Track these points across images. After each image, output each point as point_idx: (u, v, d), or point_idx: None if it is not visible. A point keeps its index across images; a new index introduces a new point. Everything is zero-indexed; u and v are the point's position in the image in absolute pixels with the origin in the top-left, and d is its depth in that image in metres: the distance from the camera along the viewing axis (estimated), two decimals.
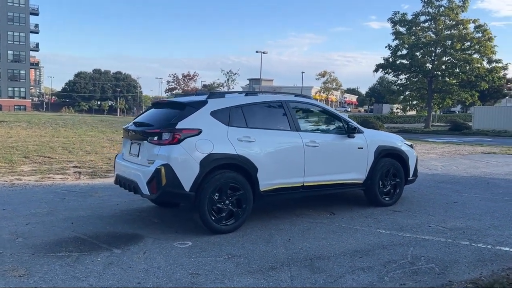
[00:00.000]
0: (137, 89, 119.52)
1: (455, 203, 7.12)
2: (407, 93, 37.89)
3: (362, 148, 6.46)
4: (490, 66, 34.69)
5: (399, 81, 38.29)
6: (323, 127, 6.37)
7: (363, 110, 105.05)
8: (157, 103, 6.13)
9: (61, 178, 8.92)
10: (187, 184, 4.95)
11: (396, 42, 36.90)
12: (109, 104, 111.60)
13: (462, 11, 35.07)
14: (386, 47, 37.61)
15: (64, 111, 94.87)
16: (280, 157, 5.62)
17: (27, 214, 5.98)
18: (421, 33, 35.94)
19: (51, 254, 4.41)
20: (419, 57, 35.91)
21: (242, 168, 5.29)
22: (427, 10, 35.70)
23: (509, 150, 16.96)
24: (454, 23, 35.10)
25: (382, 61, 37.87)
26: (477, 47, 34.21)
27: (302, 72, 79.23)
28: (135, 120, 5.74)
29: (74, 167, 10.37)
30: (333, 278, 3.91)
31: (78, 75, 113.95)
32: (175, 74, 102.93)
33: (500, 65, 35.19)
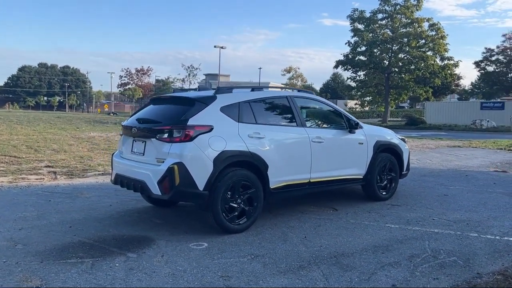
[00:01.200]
0: (87, 84, 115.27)
1: (446, 195, 7.33)
2: (365, 89, 38.89)
3: (362, 143, 6.50)
4: (443, 63, 36.29)
5: (358, 77, 39.23)
6: (326, 122, 6.34)
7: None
8: (158, 99, 5.84)
9: (36, 179, 8.37)
10: (200, 183, 4.75)
11: (355, 39, 37.76)
12: (58, 100, 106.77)
13: (417, 10, 36.41)
14: (346, 43, 38.50)
15: (8, 107, 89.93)
16: (288, 154, 5.53)
17: (15, 219, 5.55)
18: (379, 31, 36.96)
19: (61, 261, 4.09)
20: (377, 54, 36.94)
21: (254, 166, 5.15)
22: (384, 8, 36.74)
23: (471, 144, 17.79)
24: (409, 21, 36.37)
25: (342, 58, 38.69)
26: (431, 45, 35.66)
27: (259, 68, 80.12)
28: (138, 117, 5.43)
29: (46, 166, 9.78)
30: (366, 275, 3.88)
31: (22, 69, 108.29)
32: (127, 68, 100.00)
33: (452, 62, 36.89)
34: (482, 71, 59.32)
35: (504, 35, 57.49)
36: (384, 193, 6.84)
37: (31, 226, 5.23)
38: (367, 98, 39.46)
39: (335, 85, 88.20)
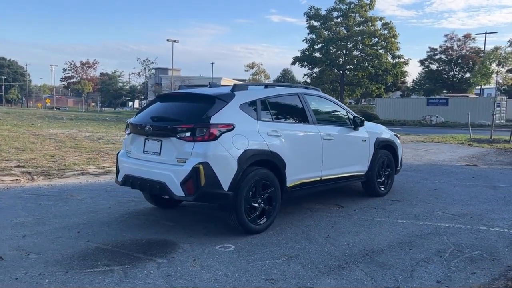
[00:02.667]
0: (26, 77, 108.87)
1: (436, 190, 7.61)
2: (320, 86, 39.56)
3: (365, 140, 6.59)
4: (394, 61, 37.76)
5: (313, 74, 39.95)
6: (334, 120, 6.34)
7: None
8: (168, 96, 5.58)
9: (12, 180, 7.78)
10: (225, 183, 4.60)
11: (312, 36, 38.36)
12: None
13: (370, 9, 37.58)
14: (303, 40, 39.05)
15: None
16: (303, 151, 5.49)
17: (12, 225, 5.12)
18: (334, 28, 37.79)
19: (89, 270, 3.81)
20: (333, 51, 37.78)
21: (273, 164, 5.07)
22: (339, 6, 37.57)
23: (432, 138, 18.64)
24: (363, 20, 37.47)
25: (298, 54, 39.21)
26: (383, 43, 36.97)
27: (212, 63, 79.31)
28: (152, 115, 5.14)
29: (17, 166, 9.11)
30: (407, 272, 3.92)
31: None
32: (72, 61, 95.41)
33: (402, 60, 38.50)
34: (426, 69, 62.26)
35: (446, 35, 60.66)
36: (382, 189, 6.98)
37: (34, 233, 4.84)
38: None
39: (285, 82, 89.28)
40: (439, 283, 3.70)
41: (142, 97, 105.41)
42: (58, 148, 12.26)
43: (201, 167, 4.47)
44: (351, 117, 6.45)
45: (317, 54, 38.28)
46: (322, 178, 5.81)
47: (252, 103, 5.11)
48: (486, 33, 56.49)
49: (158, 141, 4.90)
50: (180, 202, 6.14)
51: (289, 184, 5.29)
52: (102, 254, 4.23)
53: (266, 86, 5.59)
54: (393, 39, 36.61)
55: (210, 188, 4.52)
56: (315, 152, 5.67)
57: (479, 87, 46.16)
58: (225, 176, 4.60)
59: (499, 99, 35.49)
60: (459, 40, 59.81)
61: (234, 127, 4.73)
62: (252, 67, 24.53)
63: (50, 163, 9.63)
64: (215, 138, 4.57)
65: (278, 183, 5.13)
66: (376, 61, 36.87)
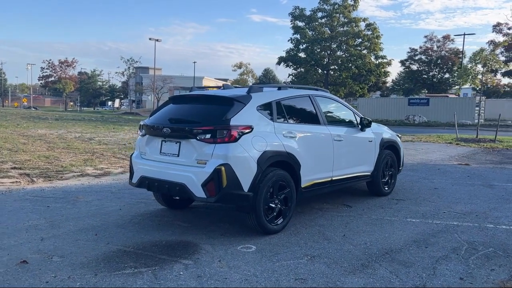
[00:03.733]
0: (1, 76, 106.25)
1: (436, 189, 7.80)
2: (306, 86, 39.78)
3: (371, 141, 6.72)
4: (378, 61, 38.36)
5: (298, 74, 40.21)
6: (342, 121, 6.44)
7: None
8: (184, 98, 5.57)
9: (12, 183, 7.66)
10: (245, 185, 4.65)
11: (297, 36, 38.61)
12: None
13: (354, 10, 38.07)
14: (288, 40, 39.28)
15: None
16: (316, 152, 5.58)
17: (26, 228, 5.06)
18: (319, 29, 38.11)
19: (117, 273, 3.81)
20: (318, 51, 38.12)
21: (289, 165, 5.13)
22: (323, 7, 37.91)
23: (420, 138, 19.02)
24: (347, 20, 37.92)
25: (283, 54, 39.45)
26: (367, 43, 37.49)
27: (194, 62, 78.95)
28: (170, 117, 5.13)
29: (13, 168, 8.96)
30: (429, 270, 4.03)
31: None
32: (50, 60, 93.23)
33: (385, 60, 39.15)
34: (407, 69, 63.33)
35: (426, 36, 61.85)
36: (386, 188, 7.12)
37: (51, 236, 4.79)
38: None
39: (267, 81, 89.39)
40: (462, 280, 3.82)
41: (122, 96, 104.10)
42: (51, 149, 12.07)
43: (222, 168, 4.50)
44: (358, 118, 6.57)
45: (302, 54, 38.56)
46: (333, 178, 5.91)
47: (268, 105, 5.16)
48: (464, 34, 57.76)
49: (176, 143, 4.91)
50: (191, 203, 6.16)
51: (303, 184, 5.37)
52: (126, 256, 4.22)
53: (280, 88, 5.64)
54: (376, 40, 37.20)
55: (232, 189, 4.56)
56: (326, 153, 5.77)
57: (464, 86, 47.36)
58: (246, 177, 4.64)
59: (478, 99, 36.42)
60: (438, 41, 61.03)
61: (252, 129, 4.77)
62: (240, 67, 24.53)
63: (47, 165, 9.49)
64: (235, 139, 4.61)
65: (294, 184, 5.20)
66: (360, 62, 37.38)
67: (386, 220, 5.70)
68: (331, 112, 6.20)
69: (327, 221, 5.57)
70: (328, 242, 4.76)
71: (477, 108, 36.20)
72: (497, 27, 38.36)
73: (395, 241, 4.83)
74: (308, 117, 5.76)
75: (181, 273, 3.84)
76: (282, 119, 5.27)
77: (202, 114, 5.01)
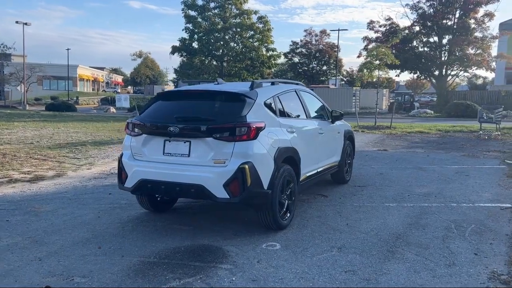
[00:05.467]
0: None
1: (381, 174, 8.49)
2: (201, 76, 39.52)
3: (339, 132, 7.06)
4: (269, 53, 39.65)
5: (193, 64, 39.62)
6: (320, 114, 6.61)
7: (132, 91, 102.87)
8: (180, 93, 5.16)
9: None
10: (265, 182, 4.58)
11: (189, 26, 37.90)
12: None
13: (245, 2, 38.68)
14: (183, 30, 38.34)
15: None
16: (309, 146, 5.70)
17: (6, 248, 4.34)
18: (213, 19, 37.91)
19: (165, 287, 3.50)
20: (212, 42, 37.94)
21: (294, 161, 5.18)
22: None
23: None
24: (239, 12, 38.38)
25: (178, 44, 38.50)
26: (259, 36, 38.46)
27: (68, 49, 72.56)
28: (176, 115, 4.71)
29: None
30: (445, 249, 4.42)
31: None
32: None
33: (275, 53, 40.73)
34: (290, 61, 66.68)
35: (305, 31, 65.77)
36: (347, 176, 7.57)
37: (48, 254, 4.20)
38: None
39: (148, 70, 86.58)
40: (477, 255, 4.30)
41: None
42: None
43: (246, 167, 4.37)
44: (330, 111, 6.84)
45: (195, 45, 38.12)
46: (318, 170, 6.11)
47: (271, 101, 5.12)
48: (339, 30, 62.83)
49: (185, 142, 4.60)
50: (173, 205, 5.84)
51: (301, 178, 5.46)
52: (157, 267, 3.89)
53: (273, 83, 5.61)
54: (268, 33, 38.44)
55: (255, 188, 4.46)
56: (315, 146, 5.93)
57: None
58: (265, 174, 4.58)
59: (355, 89, 39.92)
60: (316, 35, 65.33)
61: (265, 125, 4.70)
62: (140, 56, 23.06)
63: (31, 169, 8.11)
64: (255, 137, 4.50)
65: (296, 179, 5.26)
66: (254, 53, 38.26)
67: (369, 206, 6.08)
68: (311, 106, 6.35)
69: (321, 212, 5.75)
70: (340, 233, 4.93)
71: (354, 98, 39.72)
72: (370, 25, 42.31)
73: (395, 226, 5.20)
74: (298, 111, 5.84)
75: (233, 278, 3.68)
76: (282, 114, 5.27)
77: (213, 111, 4.76)
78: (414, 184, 7.56)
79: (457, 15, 38.64)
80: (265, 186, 4.57)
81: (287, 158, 5.01)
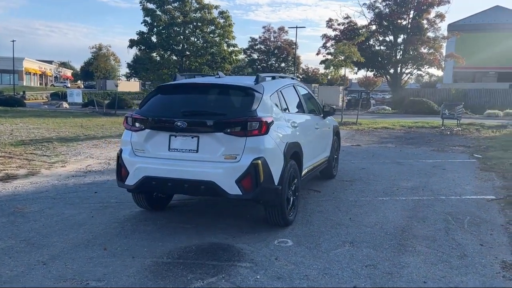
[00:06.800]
0: None
1: (364, 169, 8.62)
2: (161, 71, 38.58)
3: (330, 128, 7.08)
4: (230, 49, 39.40)
5: (153, 58, 38.66)
6: (314, 109, 6.59)
7: (82, 86, 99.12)
8: (182, 87, 4.94)
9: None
10: (276, 178, 4.49)
11: (146, 19, 36.87)
12: None
13: None
14: (142, 23, 37.23)
15: None
16: (309, 141, 5.66)
17: (2, 252, 3.98)
18: (173, 13, 37.09)
19: (192, 287, 3.35)
20: (173, 36, 37.15)
21: (298, 155, 5.12)
22: None
23: None
24: (200, 6, 37.80)
25: (136, 37, 37.37)
26: (221, 31, 38.08)
27: (13, 41, 68.64)
28: (181, 109, 4.51)
29: None
30: (452, 241, 4.52)
31: None
32: None
33: (236, 49, 40.58)
34: (249, 58, 66.71)
35: (264, 27, 65.91)
36: (334, 171, 7.62)
37: (51, 258, 3.92)
38: (164, 79, 39.07)
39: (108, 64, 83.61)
40: (482, 246, 4.43)
41: None
42: None
43: (259, 162, 4.26)
44: (322, 106, 6.84)
45: (154, 39, 37.19)
46: (314, 165, 6.09)
47: (275, 95, 5.04)
48: (296, 27, 63.42)
49: (193, 138, 4.42)
50: (168, 203, 5.63)
51: (302, 173, 5.42)
52: (174, 268, 3.72)
53: (273, 77, 5.51)
54: (229, 28, 38.14)
55: (267, 184, 4.36)
56: (313, 141, 5.91)
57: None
58: (276, 170, 4.49)
59: (314, 86, 40.47)
60: (274, 32, 65.72)
61: (273, 120, 4.61)
62: (100, 49, 21.90)
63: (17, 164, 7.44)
64: (266, 132, 4.39)
65: (299, 174, 5.22)
66: (215, 49, 37.86)
67: (364, 201, 6.14)
68: (307, 101, 6.32)
69: (320, 208, 5.73)
70: (346, 227, 4.93)
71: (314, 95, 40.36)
72: (329, 23, 43.04)
73: (396, 219, 5.27)
74: (298, 107, 5.79)
75: (257, 277, 3.58)
76: (285, 109, 5.20)
77: (221, 105, 4.61)
78: (398, 178, 7.72)
79: (411, 16, 40.05)
80: (276, 182, 4.48)
81: (294, 153, 4.95)
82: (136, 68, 61.90)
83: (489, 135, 15.29)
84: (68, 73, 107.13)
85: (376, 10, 40.98)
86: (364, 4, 41.29)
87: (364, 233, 4.73)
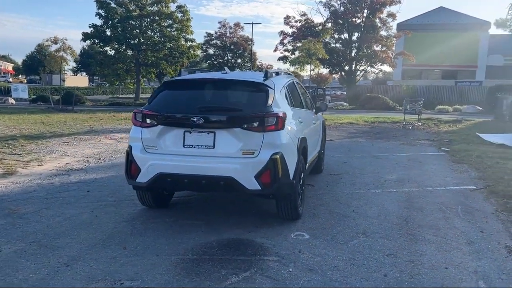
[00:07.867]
0: None
1: (345, 162, 8.87)
2: (116, 65, 37.36)
3: (320, 123, 7.23)
4: (188, 44, 38.88)
5: (107, 52, 37.41)
6: (309, 105, 6.68)
7: (25, 81, 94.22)
8: (192, 82, 4.85)
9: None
10: (292, 172, 4.56)
11: (100, 11, 35.58)
12: None
13: None
14: (96, 15, 35.81)
15: None
16: (310, 136, 5.78)
17: (15, 255, 3.82)
18: (129, 6, 36.03)
19: (229, 281, 3.35)
20: (128, 29, 36.10)
21: (305, 150, 5.21)
22: None
23: None
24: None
25: (89, 30, 35.94)
26: (178, 26, 37.45)
27: None
28: (197, 105, 4.43)
29: None
30: (455, 229, 4.78)
31: None
32: None
33: (195, 44, 40.12)
34: (205, 53, 66.13)
35: (220, 22, 65.65)
36: (322, 165, 7.79)
37: (72, 259, 3.78)
38: (120, 74, 37.80)
39: (42, 58, 79.91)
40: (483, 233, 4.72)
41: None
42: None
43: (278, 157, 4.31)
44: (313, 102, 6.96)
45: (108, 32, 35.98)
46: (312, 159, 6.21)
47: (283, 91, 5.09)
48: (253, 23, 63.74)
49: (209, 133, 4.39)
50: (170, 200, 5.55)
51: (306, 167, 5.52)
52: (203, 264, 3.71)
53: (277, 73, 5.55)
54: (187, 23, 37.59)
55: (285, 179, 4.41)
56: (312, 136, 6.04)
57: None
58: (292, 164, 4.56)
59: None
60: (230, 27, 65.55)
61: (286, 116, 4.66)
62: (55, 42, 20.76)
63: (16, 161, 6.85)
64: (282, 126, 4.44)
65: (305, 168, 5.31)
66: (173, 43, 37.19)
67: (359, 193, 6.34)
68: (304, 97, 6.41)
69: (320, 201, 5.86)
70: (353, 219, 5.09)
71: None
72: (287, 20, 43.53)
73: (396, 210, 5.49)
74: (299, 102, 5.87)
75: (290, 269, 3.64)
76: (291, 105, 5.27)
77: (236, 101, 4.60)
78: (382, 172, 8.01)
79: (365, 14, 41.32)
80: (291, 176, 4.55)
81: (303, 148, 5.03)
82: (86, 63, 59.83)
83: (447, 130, 16.12)
84: (9, 67, 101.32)
85: (332, 8, 41.93)
86: (320, 1, 42.12)
87: (372, 224, 4.90)
